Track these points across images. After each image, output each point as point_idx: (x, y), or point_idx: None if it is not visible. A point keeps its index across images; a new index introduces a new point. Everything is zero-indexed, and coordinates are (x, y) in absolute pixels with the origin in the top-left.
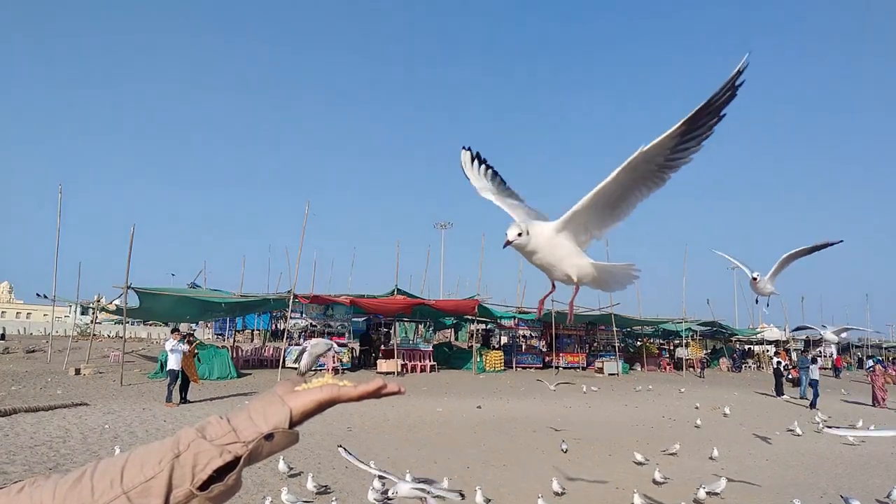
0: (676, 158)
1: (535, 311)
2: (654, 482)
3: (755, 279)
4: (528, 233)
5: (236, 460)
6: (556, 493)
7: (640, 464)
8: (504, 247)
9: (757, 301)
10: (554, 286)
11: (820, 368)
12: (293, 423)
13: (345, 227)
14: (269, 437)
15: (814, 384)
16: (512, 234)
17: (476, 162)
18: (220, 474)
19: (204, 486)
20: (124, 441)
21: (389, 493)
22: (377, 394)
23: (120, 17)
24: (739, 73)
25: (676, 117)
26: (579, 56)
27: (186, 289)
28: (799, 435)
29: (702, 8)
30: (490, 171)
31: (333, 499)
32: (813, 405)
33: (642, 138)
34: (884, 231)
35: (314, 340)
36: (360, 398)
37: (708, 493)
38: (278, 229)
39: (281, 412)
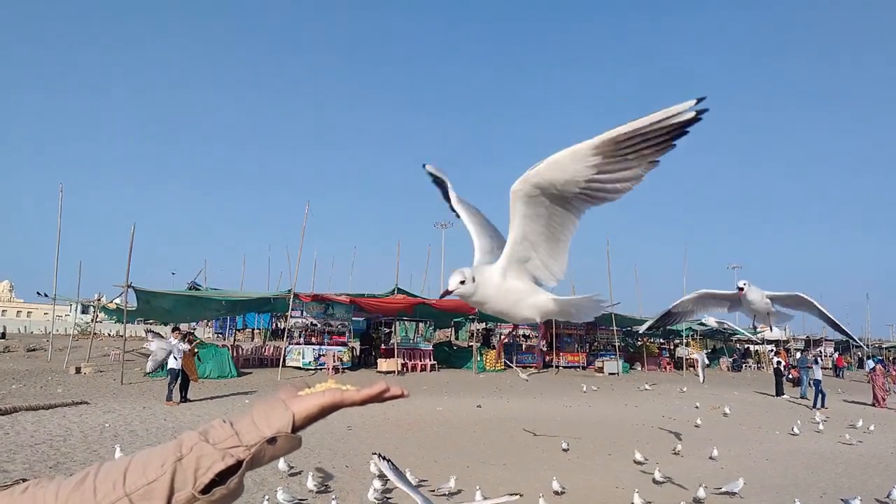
0: (597, 193)
1: None
2: (654, 481)
3: (741, 289)
4: (472, 280)
5: (239, 464)
6: (557, 493)
7: (640, 463)
8: (442, 296)
9: (755, 319)
10: (515, 326)
11: (821, 368)
12: (296, 428)
13: (345, 226)
14: (271, 441)
15: (816, 384)
16: (453, 282)
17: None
18: (222, 478)
19: (206, 490)
20: (125, 440)
21: None
22: (380, 397)
23: (120, 17)
24: (685, 123)
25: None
26: (580, 56)
27: (186, 289)
28: (796, 435)
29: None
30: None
31: (333, 497)
32: (815, 405)
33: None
34: (884, 231)
35: (153, 345)
36: (363, 402)
37: (726, 493)
38: (278, 229)
39: (284, 416)
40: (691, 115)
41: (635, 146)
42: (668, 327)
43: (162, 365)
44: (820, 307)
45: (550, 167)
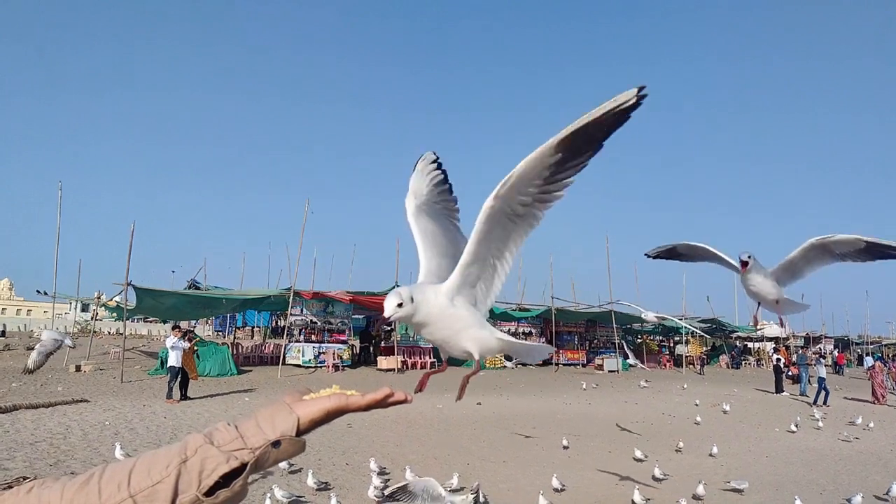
0: (551, 191)
1: (535, 307)
2: (654, 478)
3: (745, 263)
4: (410, 300)
5: (243, 467)
6: (557, 490)
7: (639, 460)
8: (380, 325)
9: (758, 308)
10: (445, 363)
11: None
12: (300, 432)
13: (344, 224)
14: (276, 444)
15: (821, 382)
16: (390, 306)
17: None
18: (226, 480)
19: (210, 492)
20: (125, 438)
21: None
22: (384, 402)
23: (120, 17)
24: (629, 106)
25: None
26: (581, 54)
27: (186, 288)
28: (794, 432)
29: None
30: (439, 173)
31: (333, 495)
32: (816, 401)
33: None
34: (884, 228)
35: (44, 335)
36: (367, 407)
37: (736, 490)
38: (278, 227)
39: (288, 420)
40: (633, 101)
41: (588, 136)
42: (667, 325)
43: (48, 356)
44: (843, 238)
45: (521, 176)
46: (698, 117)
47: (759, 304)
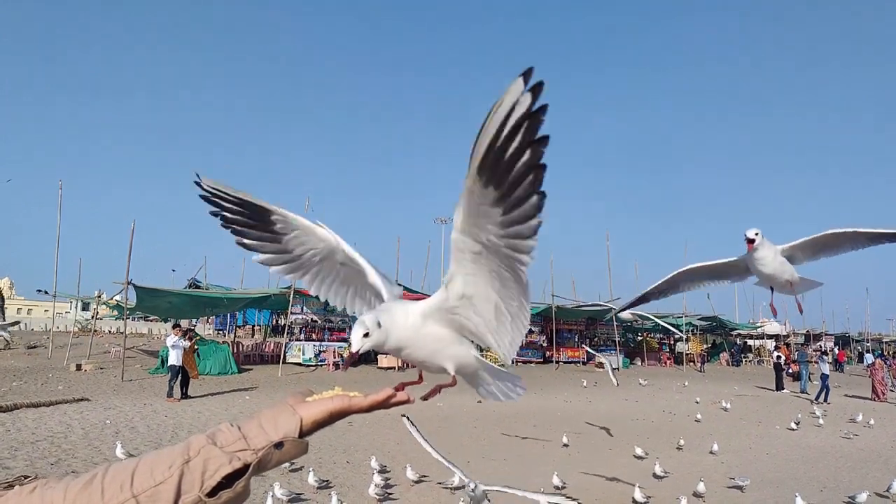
0: (516, 235)
1: (534, 305)
2: (655, 476)
3: (751, 241)
4: (378, 326)
5: (246, 467)
6: (557, 488)
7: (640, 458)
8: (347, 367)
9: (773, 294)
10: (421, 377)
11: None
12: (303, 433)
13: (345, 222)
14: (278, 445)
15: (824, 378)
16: (356, 338)
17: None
18: (229, 481)
19: (213, 493)
20: (125, 436)
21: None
22: (386, 403)
23: (120, 16)
24: (526, 121)
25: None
26: (582, 54)
27: (186, 286)
28: (794, 429)
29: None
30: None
31: (334, 493)
32: (819, 398)
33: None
34: (884, 225)
35: None
36: (370, 409)
37: (737, 487)
38: None
39: (291, 421)
40: (526, 105)
41: (501, 161)
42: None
43: None
44: (869, 230)
45: (465, 208)
46: (702, 113)
47: (771, 289)
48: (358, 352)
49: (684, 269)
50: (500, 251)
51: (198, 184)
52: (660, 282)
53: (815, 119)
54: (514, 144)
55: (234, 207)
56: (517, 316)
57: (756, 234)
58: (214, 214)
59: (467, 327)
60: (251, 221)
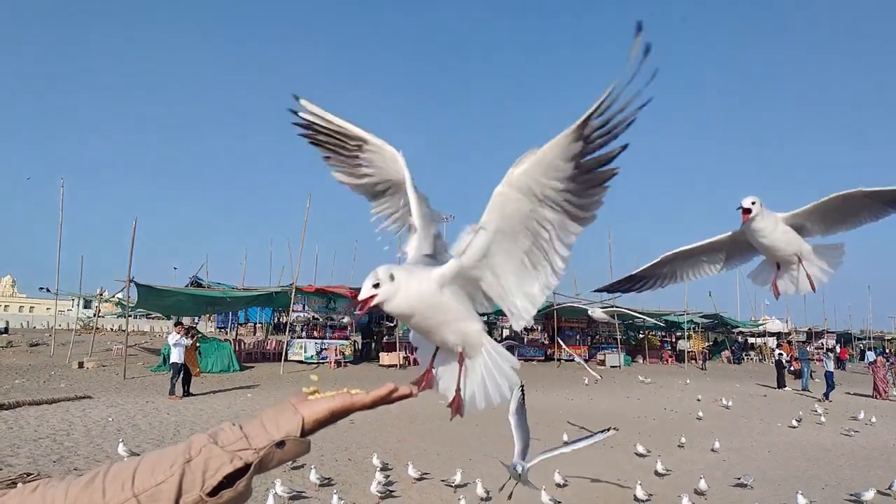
0: (582, 194)
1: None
2: (657, 474)
3: (747, 211)
4: (391, 278)
5: (247, 467)
6: (559, 485)
7: (642, 455)
8: (357, 318)
9: (777, 270)
10: (430, 372)
11: (820, 360)
12: (305, 432)
13: (346, 219)
14: (280, 444)
15: (829, 376)
16: (366, 287)
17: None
18: (230, 480)
19: (214, 492)
20: (128, 434)
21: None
22: (389, 398)
23: (121, 13)
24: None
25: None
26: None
27: (187, 285)
28: (795, 427)
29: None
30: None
31: (335, 491)
32: (827, 396)
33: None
34: (885, 222)
35: None
36: (372, 405)
37: (742, 486)
38: (280, 223)
39: (293, 420)
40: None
41: (612, 116)
42: (668, 320)
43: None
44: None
45: (534, 162)
46: (708, 104)
47: (777, 266)
48: (366, 303)
49: (672, 252)
50: (556, 204)
51: (293, 111)
52: (645, 266)
53: (820, 111)
54: (621, 103)
55: (330, 135)
56: (541, 277)
57: (753, 203)
58: (310, 141)
59: (482, 290)
60: (344, 150)
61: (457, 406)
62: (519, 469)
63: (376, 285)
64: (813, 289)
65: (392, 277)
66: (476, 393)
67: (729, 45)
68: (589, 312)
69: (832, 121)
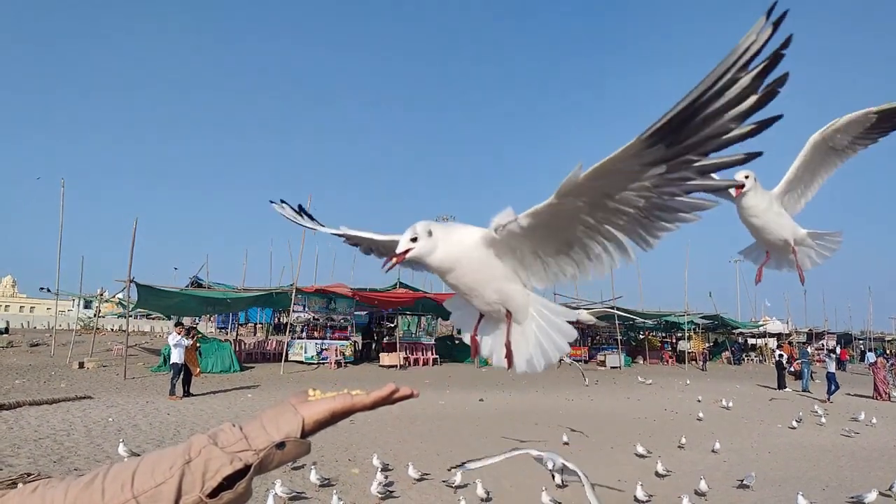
0: (655, 213)
1: None
2: (657, 474)
3: (740, 186)
4: (429, 234)
5: (247, 468)
6: (559, 486)
7: (642, 456)
8: (388, 268)
9: (767, 258)
10: (481, 317)
11: (821, 361)
12: (305, 433)
13: (347, 220)
14: (280, 445)
15: (831, 377)
16: (403, 240)
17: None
18: (230, 482)
19: (214, 494)
20: (128, 434)
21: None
22: (390, 399)
23: (122, 14)
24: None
25: None
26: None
27: (188, 286)
28: (796, 428)
29: None
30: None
31: (335, 491)
32: (822, 396)
33: None
34: (886, 223)
35: None
36: (373, 406)
37: (744, 486)
38: (280, 223)
39: (293, 421)
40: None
41: (702, 124)
42: (669, 321)
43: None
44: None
45: (600, 173)
46: None
47: (766, 253)
48: (402, 255)
49: None
50: (618, 223)
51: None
52: None
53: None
54: (723, 100)
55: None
56: (579, 268)
57: (747, 178)
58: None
59: (520, 260)
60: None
61: (510, 358)
62: (550, 465)
63: (414, 239)
64: (801, 280)
65: (430, 233)
66: (533, 355)
67: None
68: (576, 315)
69: None
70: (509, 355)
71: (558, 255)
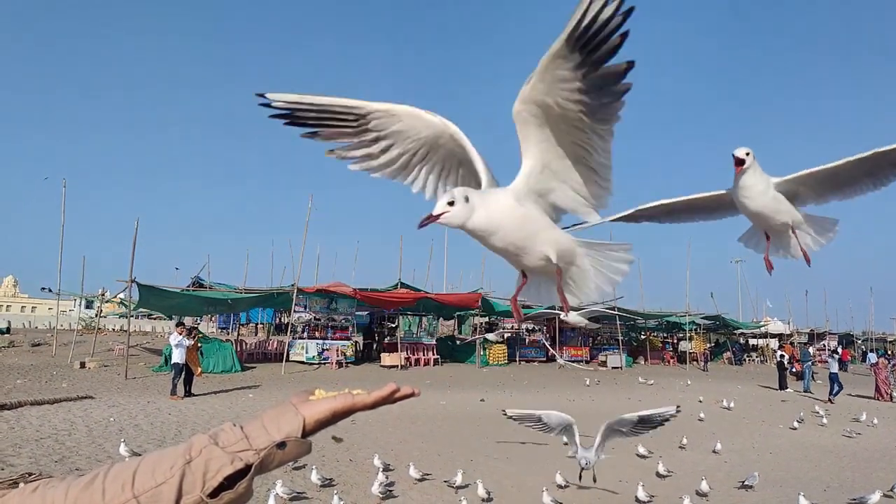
0: (599, 101)
1: (538, 304)
2: (658, 475)
3: (741, 161)
4: (466, 200)
5: (248, 468)
6: (560, 486)
7: (643, 457)
8: (421, 225)
9: (768, 244)
10: (526, 277)
11: (823, 362)
12: (306, 433)
13: (347, 220)
14: (281, 445)
15: (834, 377)
16: (440, 204)
17: None
18: (231, 482)
19: (214, 493)
20: (129, 434)
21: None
22: (391, 398)
23: (123, 13)
24: None
25: None
26: None
27: (189, 286)
28: (797, 428)
29: None
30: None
31: (336, 491)
32: (832, 398)
33: None
34: (887, 223)
35: None
36: (374, 405)
37: (746, 487)
38: (281, 223)
39: (294, 421)
40: None
41: (601, 25)
42: (670, 321)
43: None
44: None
45: (538, 78)
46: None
47: (767, 237)
48: (437, 216)
49: (648, 205)
50: (575, 112)
51: (266, 105)
52: (619, 215)
53: (822, 109)
54: (606, 15)
55: (322, 119)
56: (600, 170)
57: (747, 154)
58: (308, 133)
59: (557, 199)
60: (347, 130)
61: (566, 302)
62: (583, 462)
63: (451, 203)
64: (808, 262)
65: (467, 199)
66: (599, 283)
67: None
68: (562, 317)
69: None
70: (564, 300)
71: (571, 173)
